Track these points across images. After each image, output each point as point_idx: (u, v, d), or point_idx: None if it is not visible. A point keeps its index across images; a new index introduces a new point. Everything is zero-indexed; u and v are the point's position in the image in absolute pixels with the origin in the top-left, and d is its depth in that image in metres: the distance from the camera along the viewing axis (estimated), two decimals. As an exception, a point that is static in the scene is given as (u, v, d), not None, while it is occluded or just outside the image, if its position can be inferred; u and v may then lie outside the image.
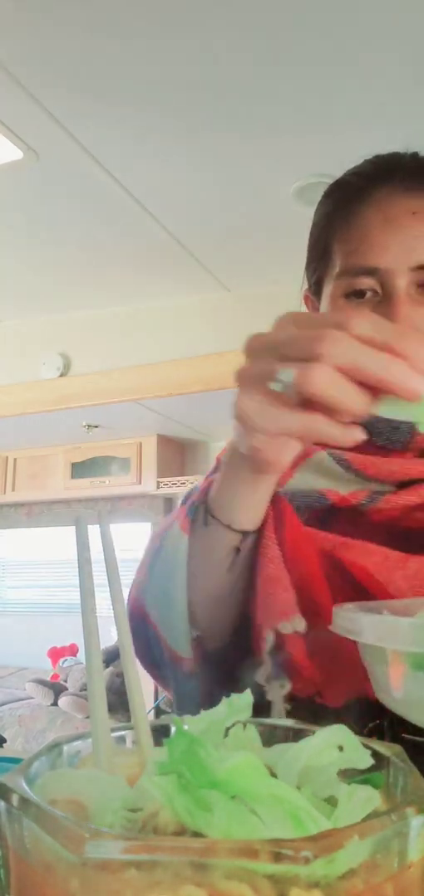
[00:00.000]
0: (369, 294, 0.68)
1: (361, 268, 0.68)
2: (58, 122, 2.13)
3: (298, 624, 0.57)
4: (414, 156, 0.74)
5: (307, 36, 1.79)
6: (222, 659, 0.64)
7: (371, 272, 0.67)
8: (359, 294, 0.69)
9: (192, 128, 2.16)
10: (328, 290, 0.73)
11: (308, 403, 0.45)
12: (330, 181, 0.78)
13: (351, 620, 0.44)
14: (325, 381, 0.43)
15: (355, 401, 0.44)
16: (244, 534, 0.60)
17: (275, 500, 0.60)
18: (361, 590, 0.59)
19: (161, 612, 0.64)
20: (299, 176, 2.38)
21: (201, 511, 0.61)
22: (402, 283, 0.66)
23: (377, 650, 0.43)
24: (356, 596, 0.59)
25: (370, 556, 0.61)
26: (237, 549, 0.60)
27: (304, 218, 0.86)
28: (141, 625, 0.66)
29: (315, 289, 0.77)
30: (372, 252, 0.67)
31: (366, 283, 0.68)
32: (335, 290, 0.71)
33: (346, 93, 1.98)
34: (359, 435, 0.47)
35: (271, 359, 0.46)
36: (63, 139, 2.20)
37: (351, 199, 0.72)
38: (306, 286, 0.80)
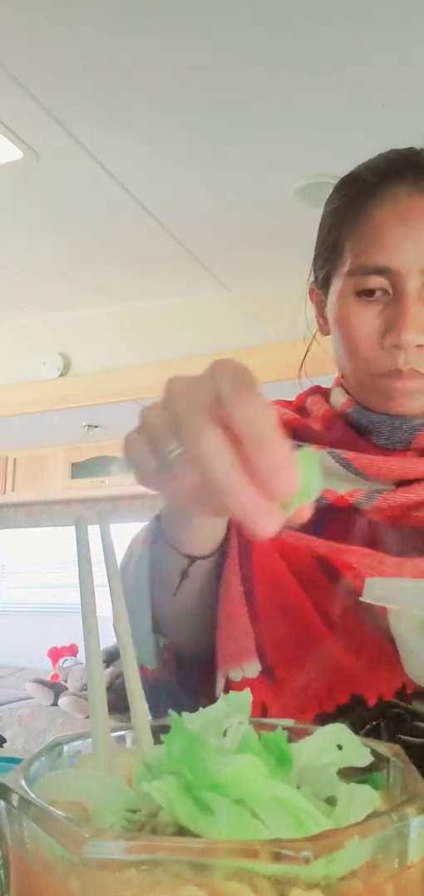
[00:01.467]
0: (379, 294, 0.68)
1: (372, 267, 0.67)
2: (58, 122, 2.13)
3: (249, 670, 0.56)
4: None
5: (307, 37, 1.79)
6: (194, 668, 0.63)
7: (383, 272, 0.67)
8: (369, 293, 0.68)
9: (193, 128, 2.16)
10: (336, 286, 0.72)
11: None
12: (331, 181, 0.78)
13: (386, 588, 0.44)
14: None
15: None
16: (191, 559, 0.56)
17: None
18: (354, 594, 0.59)
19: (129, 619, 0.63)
20: (299, 176, 2.38)
21: (156, 525, 0.58)
22: (414, 284, 0.66)
23: (412, 619, 0.43)
24: (348, 601, 0.59)
25: (363, 561, 0.61)
26: (184, 573, 0.57)
27: (305, 218, 0.86)
28: None
29: (323, 283, 0.76)
30: (385, 252, 0.67)
31: (377, 282, 0.68)
32: (344, 288, 0.70)
33: (346, 93, 1.98)
34: None
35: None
36: (63, 139, 2.20)
37: (364, 195, 0.71)
38: (312, 279, 0.80)
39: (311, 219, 0.78)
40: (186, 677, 0.62)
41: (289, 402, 0.84)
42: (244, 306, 3.27)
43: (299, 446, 0.73)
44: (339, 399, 0.77)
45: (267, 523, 0.33)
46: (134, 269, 3.12)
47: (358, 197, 0.71)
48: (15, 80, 1.95)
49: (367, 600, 0.46)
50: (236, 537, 0.59)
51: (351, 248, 0.70)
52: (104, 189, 2.49)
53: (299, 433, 0.76)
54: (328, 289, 0.75)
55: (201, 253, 2.97)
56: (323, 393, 0.82)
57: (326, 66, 1.89)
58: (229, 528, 0.59)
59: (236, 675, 0.57)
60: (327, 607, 0.59)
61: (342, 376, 0.77)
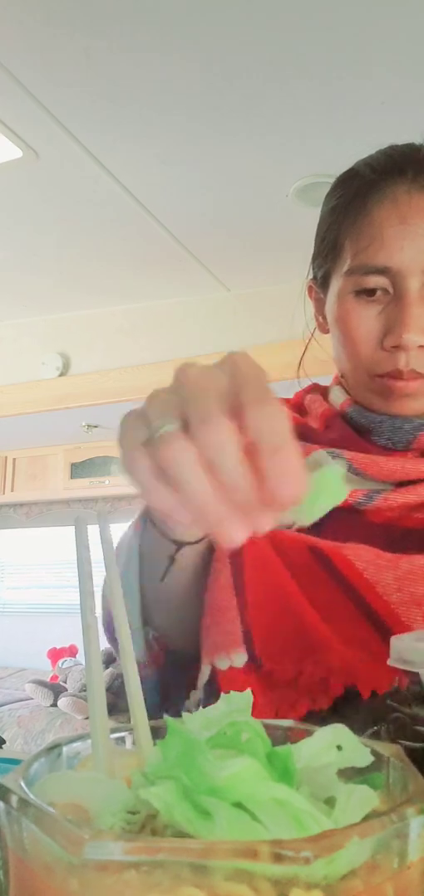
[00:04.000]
0: (379, 293, 0.67)
1: (372, 267, 0.67)
2: (58, 122, 2.13)
3: (236, 660, 0.55)
4: None
5: (306, 36, 1.79)
6: (184, 661, 0.62)
7: (383, 271, 0.66)
8: (369, 292, 0.68)
9: (192, 128, 2.16)
10: (336, 285, 0.72)
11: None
12: (330, 181, 0.77)
13: (412, 649, 0.41)
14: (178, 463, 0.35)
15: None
16: (178, 544, 0.54)
17: None
18: (349, 587, 0.59)
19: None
20: (299, 176, 2.38)
21: (146, 512, 0.58)
22: (414, 284, 0.66)
23: None
24: (343, 593, 0.59)
25: (359, 555, 0.61)
26: (172, 558, 0.56)
27: (304, 218, 0.86)
28: (108, 620, 0.65)
29: (322, 282, 0.76)
30: (384, 251, 0.66)
31: (377, 281, 0.67)
32: (343, 287, 0.70)
33: (346, 93, 1.98)
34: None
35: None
36: (63, 138, 2.20)
37: (363, 193, 0.70)
38: (310, 276, 0.79)
39: (310, 219, 0.78)
40: (175, 671, 0.62)
41: (287, 400, 0.83)
42: (244, 306, 3.27)
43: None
44: (338, 398, 0.76)
45: (236, 535, 0.33)
46: (134, 269, 3.12)
47: (357, 195, 0.71)
48: (15, 80, 1.94)
49: (394, 664, 0.43)
50: None
51: (351, 247, 0.69)
52: (104, 189, 2.49)
53: (297, 432, 0.76)
54: (327, 287, 0.75)
55: (201, 253, 2.97)
56: (322, 391, 0.81)
57: (325, 67, 1.89)
58: None
59: (222, 664, 0.56)
60: (321, 600, 0.59)
61: (342, 375, 0.76)
